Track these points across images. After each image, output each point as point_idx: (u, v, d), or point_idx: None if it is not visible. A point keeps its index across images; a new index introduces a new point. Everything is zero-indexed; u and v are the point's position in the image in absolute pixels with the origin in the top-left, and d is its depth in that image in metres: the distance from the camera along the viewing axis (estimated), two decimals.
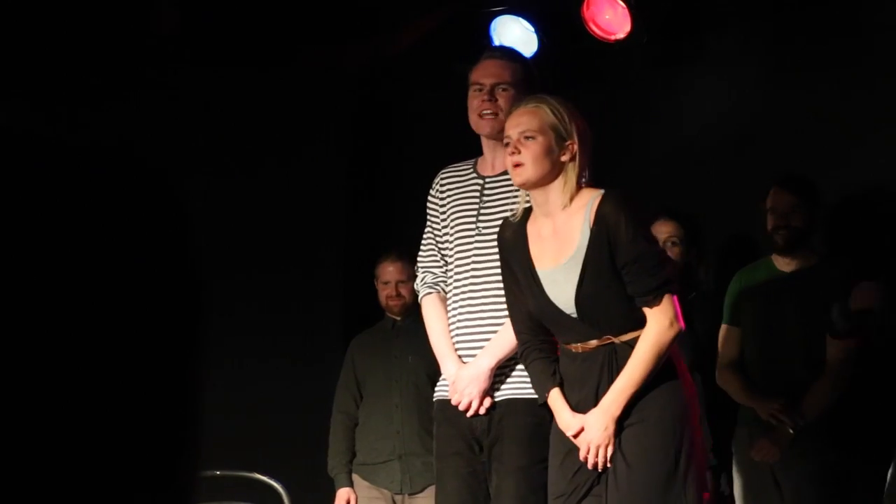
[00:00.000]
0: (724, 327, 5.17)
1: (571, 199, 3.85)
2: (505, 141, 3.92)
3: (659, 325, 3.78)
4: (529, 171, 3.84)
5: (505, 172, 4.22)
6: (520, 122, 3.88)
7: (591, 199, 3.84)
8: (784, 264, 5.09)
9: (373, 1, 6.28)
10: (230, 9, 6.05)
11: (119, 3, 5.70)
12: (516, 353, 4.13)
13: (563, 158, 3.85)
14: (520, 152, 3.84)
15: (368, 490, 5.76)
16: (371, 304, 6.00)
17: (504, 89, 4.24)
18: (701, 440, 3.96)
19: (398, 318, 5.85)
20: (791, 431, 4.89)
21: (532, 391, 4.12)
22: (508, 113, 3.97)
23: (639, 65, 5.98)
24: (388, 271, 5.80)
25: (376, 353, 5.84)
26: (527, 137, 3.84)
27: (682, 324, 3.84)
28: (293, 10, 6.15)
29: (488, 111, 4.24)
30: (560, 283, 3.85)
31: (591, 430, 3.81)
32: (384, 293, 5.86)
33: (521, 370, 4.15)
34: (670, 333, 3.79)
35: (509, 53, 4.41)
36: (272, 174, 6.48)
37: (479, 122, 4.28)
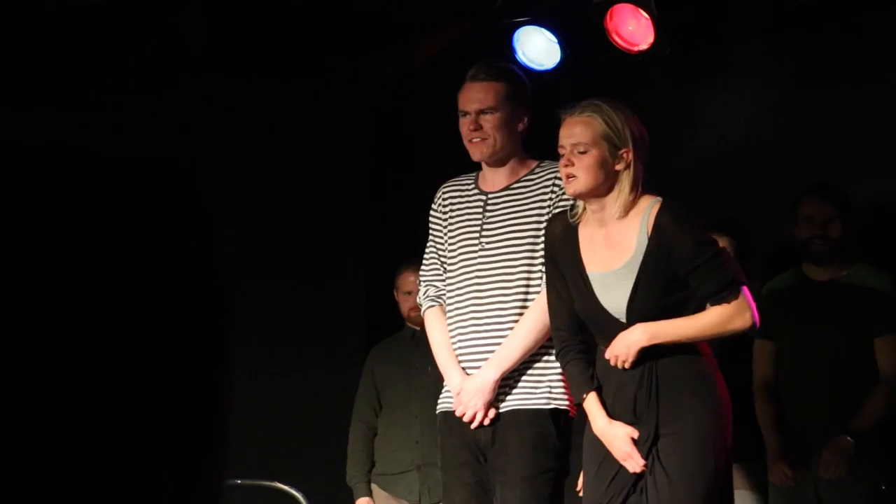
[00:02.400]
0: (757, 343, 5.10)
1: (626, 209, 3.85)
2: (560, 150, 3.89)
3: (736, 309, 3.77)
4: (581, 182, 3.83)
5: (506, 188, 4.24)
6: (573, 133, 3.85)
7: (647, 207, 3.83)
8: (818, 273, 5.03)
9: (396, 13, 6.28)
10: (253, 20, 6.06)
11: (143, 15, 5.72)
12: (520, 364, 4.14)
13: (618, 167, 3.84)
14: (573, 164, 3.84)
15: (387, 500, 5.75)
16: (392, 315, 5.99)
17: (489, 113, 4.22)
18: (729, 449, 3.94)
19: (418, 329, 5.83)
20: (850, 440, 4.79)
21: (537, 402, 4.14)
22: (560, 120, 3.90)
23: (661, 76, 5.97)
24: (410, 281, 5.78)
25: (396, 363, 5.83)
26: (580, 151, 3.83)
27: (757, 320, 3.81)
28: (316, 22, 6.17)
29: (476, 139, 4.23)
30: (612, 287, 3.83)
31: (620, 338, 3.79)
32: (407, 304, 5.84)
33: (526, 381, 4.17)
34: (742, 322, 3.78)
35: (493, 72, 4.28)
36: (294, 185, 6.49)
37: (470, 148, 4.28)
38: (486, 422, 4.14)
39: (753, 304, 3.80)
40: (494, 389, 4.13)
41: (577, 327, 3.96)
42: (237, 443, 5.89)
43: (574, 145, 3.83)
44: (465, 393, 4.15)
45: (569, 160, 3.84)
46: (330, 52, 6.42)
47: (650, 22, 5.37)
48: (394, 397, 5.78)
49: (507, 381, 4.15)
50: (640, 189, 3.86)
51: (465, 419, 4.15)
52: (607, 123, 3.83)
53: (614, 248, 3.86)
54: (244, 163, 6.38)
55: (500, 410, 4.15)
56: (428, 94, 6.57)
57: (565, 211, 4.00)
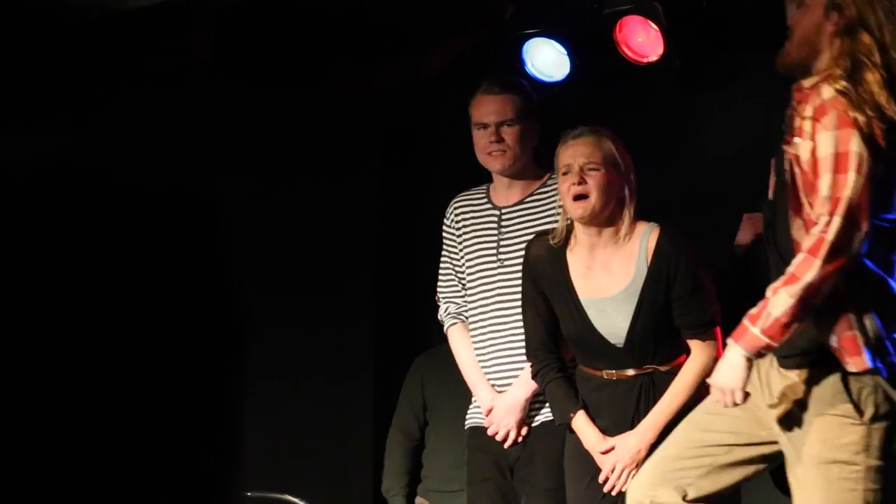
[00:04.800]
0: None
1: (626, 233, 3.83)
2: (563, 170, 3.87)
3: (707, 357, 3.81)
4: (594, 202, 3.81)
5: (521, 202, 4.24)
6: (582, 153, 3.83)
7: (644, 232, 3.83)
8: None
9: (404, 23, 6.29)
10: (262, 31, 6.08)
11: (153, 27, 5.74)
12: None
13: (623, 193, 3.85)
14: (585, 182, 3.81)
15: None
16: (401, 323, 5.98)
17: (509, 125, 4.24)
18: None
19: None
20: None
21: None
22: (565, 142, 3.90)
23: (671, 88, 5.97)
24: None
25: (448, 375, 5.67)
26: (591, 169, 3.81)
27: None
28: (324, 32, 6.18)
29: (496, 151, 4.24)
30: (609, 313, 3.83)
31: (622, 449, 3.79)
32: None
33: None
34: (714, 365, 3.80)
35: (507, 86, 4.33)
36: (303, 194, 6.49)
37: (489, 160, 4.28)
38: (519, 439, 4.17)
39: (721, 345, 3.81)
40: (526, 407, 4.15)
41: (553, 346, 3.98)
42: (247, 455, 5.89)
43: (585, 163, 3.81)
44: (497, 412, 4.17)
45: (581, 178, 3.80)
46: (339, 62, 6.43)
47: (659, 33, 5.38)
48: (446, 412, 5.56)
49: (538, 396, 4.16)
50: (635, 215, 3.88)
51: (498, 438, 4.18)
52: (615, 146, 3.84)
53: (610, 272, 3.85)
54: (252, 172, 6.39)
55: (533, 425, 4.17)
56: (438, 104, 6.58)
57: (546, 232, 3.99)
